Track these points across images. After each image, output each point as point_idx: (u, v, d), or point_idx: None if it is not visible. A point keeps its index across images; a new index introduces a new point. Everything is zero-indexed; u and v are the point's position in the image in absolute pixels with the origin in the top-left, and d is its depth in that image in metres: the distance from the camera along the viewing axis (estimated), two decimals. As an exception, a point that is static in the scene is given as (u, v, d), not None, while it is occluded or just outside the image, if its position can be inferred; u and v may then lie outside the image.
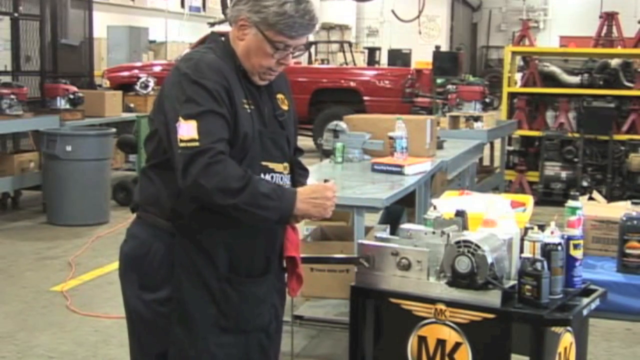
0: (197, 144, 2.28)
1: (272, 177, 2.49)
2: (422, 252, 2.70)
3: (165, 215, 2.44)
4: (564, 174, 9.43)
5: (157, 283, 2.46)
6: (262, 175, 2.45)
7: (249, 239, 2.47)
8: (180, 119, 2.31)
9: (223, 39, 2.56)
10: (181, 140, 2.30)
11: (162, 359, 2.50)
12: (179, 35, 22.08)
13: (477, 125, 8.18)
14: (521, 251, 2.74)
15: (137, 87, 10.43)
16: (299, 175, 2.68)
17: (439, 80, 15.06)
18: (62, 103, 8.67)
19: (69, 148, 7.62)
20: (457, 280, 2.62)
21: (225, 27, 17.42)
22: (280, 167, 2.53)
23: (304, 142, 13.36)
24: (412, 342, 2.71)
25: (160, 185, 2.46)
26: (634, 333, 5.08)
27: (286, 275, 2.64)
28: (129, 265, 2.52)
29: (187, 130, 2.30)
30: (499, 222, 2.82)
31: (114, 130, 8.29)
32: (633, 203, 5.82)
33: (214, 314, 2.45)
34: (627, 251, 5.21)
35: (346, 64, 16.89)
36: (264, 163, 2.47)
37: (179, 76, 2.40)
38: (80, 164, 7.67)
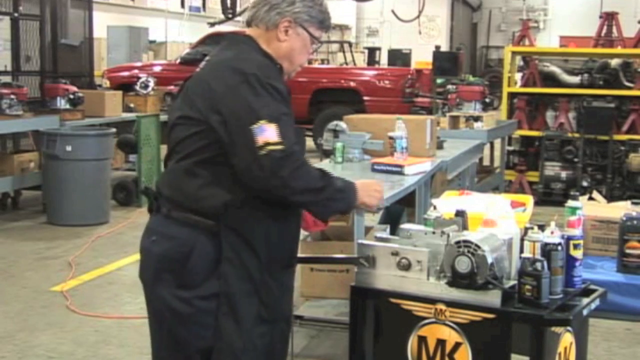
0: (281, 147, 2.38)
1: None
2: (422, 252, 2.70)
3: (210, 211, 2.47)
4: (564, 174, 9.42)
5: (198, 280, 2.49)
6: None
7: (285, 230, 2.58)
8: (263, 122, 2.39)
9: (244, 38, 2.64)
10: (267, 144, 2.37)
11: (200, 354, 2.54)
12: (179, 35, 22.08)
13: (477, 125, 8.18)
14: (521, 251, 2.74)
15: (137, 87, 10.42)
16: None
17: (439, 80, 15.08)
18: (62, 103, 8.66)
19: (69, 148, 7.62)
20: (457, 280, 2.61)
21: (225, 27, 17.39)
22: None
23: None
24: (412, 342, 2.71)
25: (211, 181, 2.48)
26: (634, 333, 5.08)
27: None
28: (164, 266, 2.52)
29: (271, 133, 2.39)
30: (499, 222, 2.82)
31: (114, 130, 8.29)
32: (633, 203, 5.82)
33: (257, 305, 2.53)
34: (627, 251, 5.21)
35: (346, 64, 16.89)
36: None
37: (244, 76, 2.44)
38: (80, 164, 7.67)
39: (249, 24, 2.65)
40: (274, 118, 2.40)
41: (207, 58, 2.65)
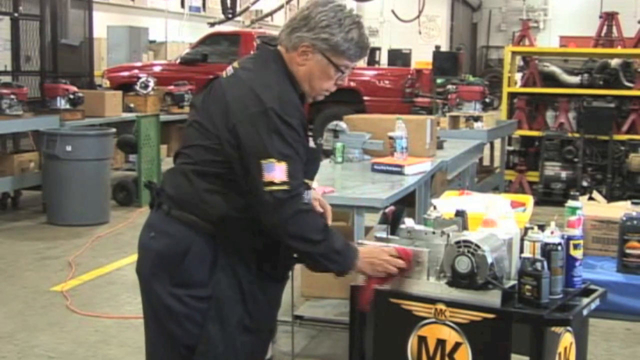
0: (287, 187, 2.40)
1: (308, 193, 2.57)
2: (422, 252, 2.70)
3: (205, 218, 2.50)
4: (564, 174, 9.43)
5: (193, 280, 2.52)
6: (305, 192, 2.54)
7: (278, 246, 2.56)
8: (273, 160, 2.39)
9: (271, 49, 2.61)
10: (272, 183, 2.39)
11: (188, 350, 2.57)
12: (179, 35, 22.06)
13: (477, 125, 8.18)
14: (521, 251, 2.74)
15: (137, 87, 10.42)
16: None
17: (439, 80, 15.04)
18: (62, 103, 8.67)
19: (69, 148, 7.62)
20: (457, 280, 2.61)
21: (225, 27, 17.32)
22: (311, 182, 2.64)
23: (304, 142, 13.35)
24: (412, 342, 2.71)
25: (215, 190, 2.49)
26: (634, 333, 5.08)
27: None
28: (161, 263, 2.54)
29: (279, 172, 2.40)
30: (499, 222, 2.81)
31: (114, 130, 8.29)
32: (633, 203, 5.79)
33: (241, 313, 2.56)
34: (627, 251, 5.17)
35: (346, 64, 16.83)
36: (306, 181, 2.57)
37: (262, 107, 2.42)
38: (80, 164, 7.67)
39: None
40: (284, 156, 2.40)
41: (235, 65, 2.63)
